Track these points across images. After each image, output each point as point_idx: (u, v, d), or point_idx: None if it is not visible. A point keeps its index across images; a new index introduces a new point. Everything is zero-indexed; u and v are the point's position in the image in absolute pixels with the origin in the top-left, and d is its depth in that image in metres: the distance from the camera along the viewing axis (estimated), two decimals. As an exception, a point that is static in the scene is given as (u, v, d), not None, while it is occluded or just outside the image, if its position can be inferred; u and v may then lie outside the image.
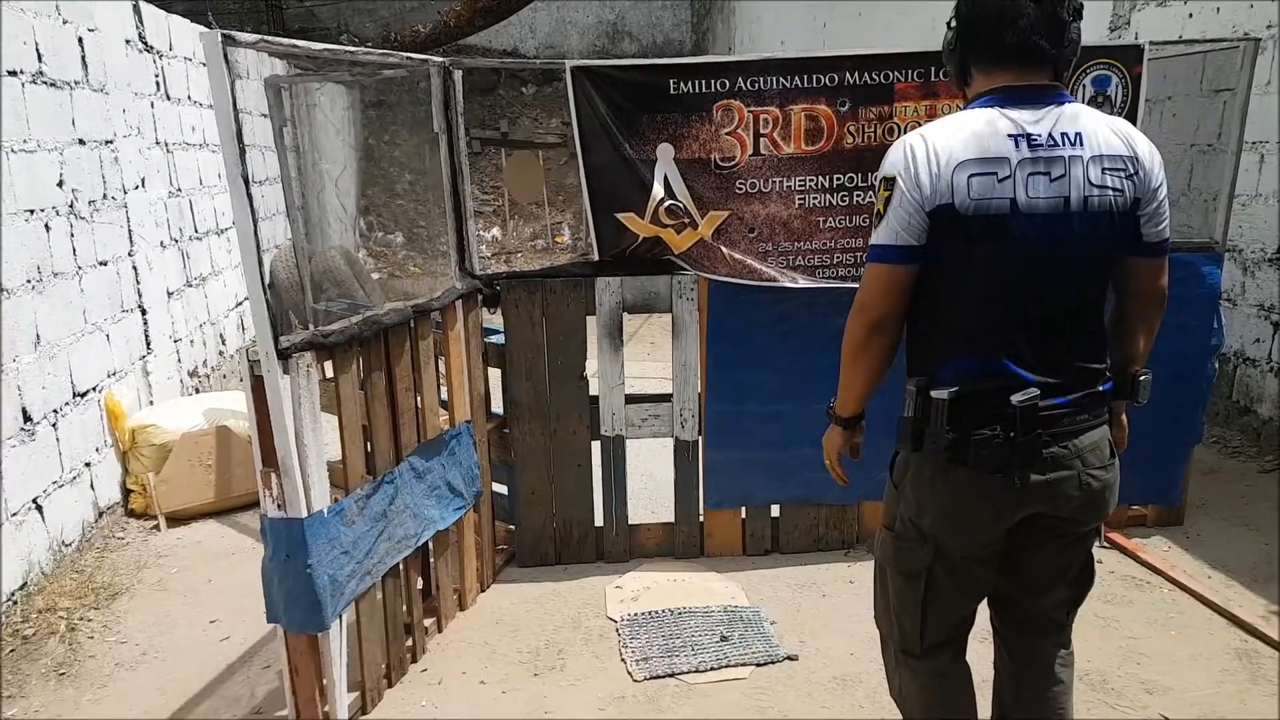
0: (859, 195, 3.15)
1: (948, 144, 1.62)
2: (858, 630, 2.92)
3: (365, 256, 9.12)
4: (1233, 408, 4.62)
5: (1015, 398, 1.63)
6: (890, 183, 1.67)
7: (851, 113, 3.09)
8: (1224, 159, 3.41)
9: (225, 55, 1.75)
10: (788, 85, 3.05)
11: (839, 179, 3.13)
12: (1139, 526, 3.57)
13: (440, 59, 2.90)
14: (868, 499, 3.45)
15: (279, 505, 2.10)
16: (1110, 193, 1.65)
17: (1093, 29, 5.54)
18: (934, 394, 1.68)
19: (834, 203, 3.15)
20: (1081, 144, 1.63)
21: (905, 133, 3.04)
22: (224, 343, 5.64)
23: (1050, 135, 1.63)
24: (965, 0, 1.71)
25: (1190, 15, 4.79)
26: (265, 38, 1.91)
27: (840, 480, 2.07)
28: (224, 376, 5.48)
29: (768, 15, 10.48)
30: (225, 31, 1.75)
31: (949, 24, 1.75)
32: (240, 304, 6.01)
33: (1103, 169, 1.64)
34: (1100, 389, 1.80)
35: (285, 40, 2.00)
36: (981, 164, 1.60)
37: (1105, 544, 3.47)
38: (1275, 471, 4.13)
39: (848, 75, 3.06)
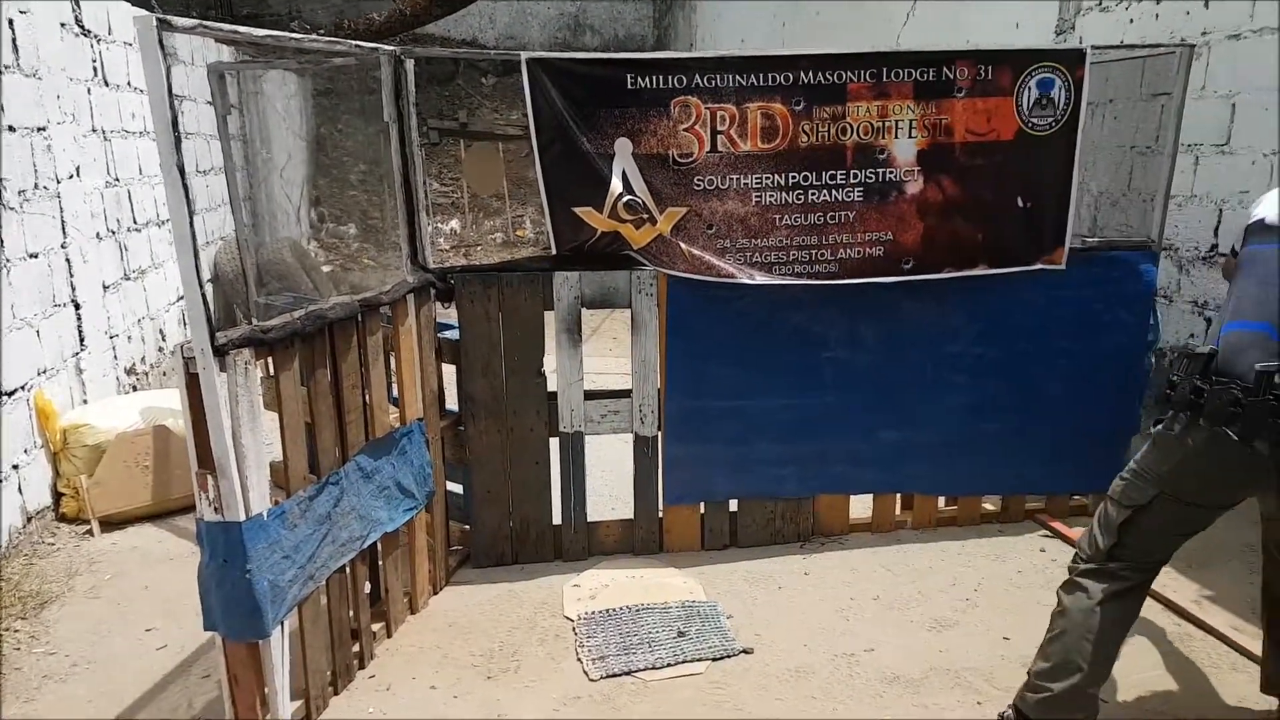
0: (814, 194, 3.16)
1: None
2: (811, 621, 2.95)
3: (316, 248, 8.93)
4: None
5: None
6: None
7: (806, 112, 3.10)
8: (1161, 160, 3.49)
9: (160, 40, 1.68)
10: (744, 83, 3.05)
11: (794, 177, 3.14)
12: (1081, 515, 3.66)
13: (391, 47, 2.84)
14: (823, 492, 3.49)
15: (216, 508, 2.03)
16: None
17: (1038, 33, 5.65)
18: None
19: (790, 200, 3.16)
20: None
21: (857, 133, 3.11)
22: (164, 339, 5.47)
23: None
24: None
25: (1131, 21, 4.91)
26: (204, 23, 1.84)
27: None
28: (164, 374, 5.31)
29: (729, 13, 10.51)
30: (160, 16, 1.68)
31: None
32: (181, 298, 5.82)
33: None
34: None
35: (226, 26, 1.93)
36: None
37: (1048, 533, 3.56)
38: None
39: (802, 74, 3.07)
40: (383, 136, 2.88)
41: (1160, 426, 2.11)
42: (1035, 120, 3.19)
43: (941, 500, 3.65)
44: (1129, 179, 4.95)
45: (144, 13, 1.71)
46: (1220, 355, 2.02)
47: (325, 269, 8.29)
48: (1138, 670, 2.65)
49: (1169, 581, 3.11)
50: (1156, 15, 4.73)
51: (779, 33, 9.23)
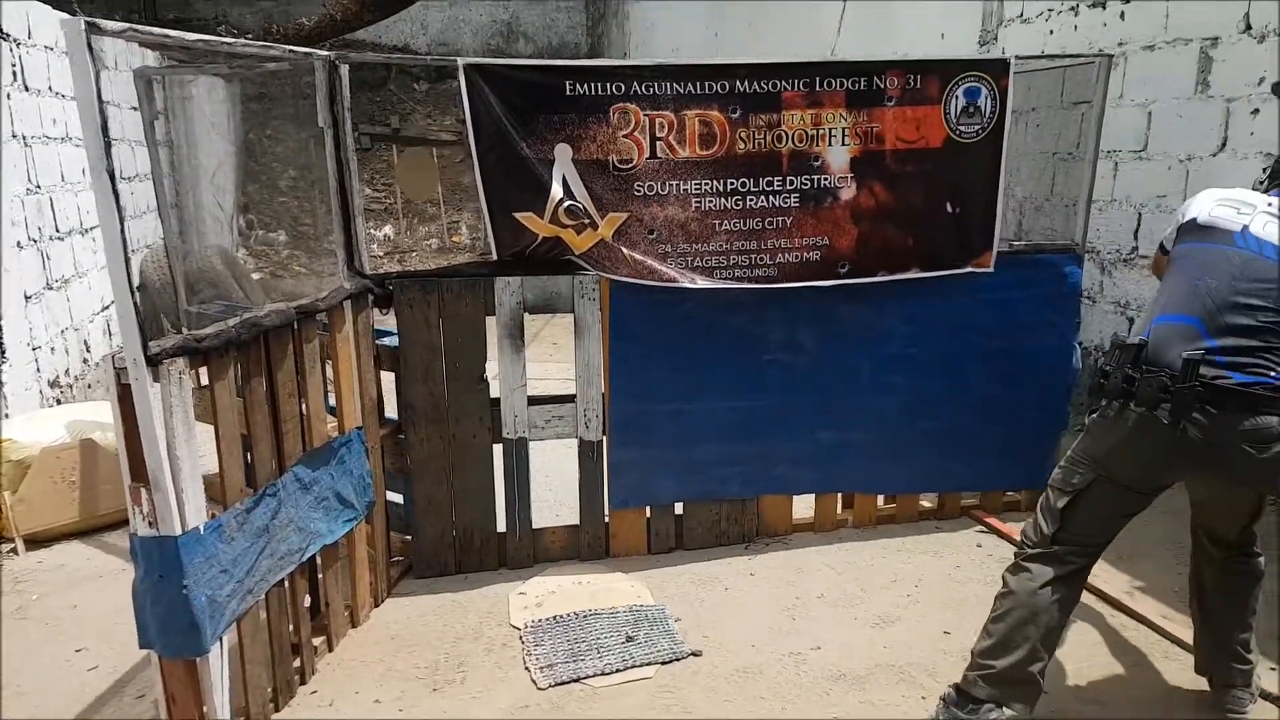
0: (752, 200, 3.21)
1: None
2: (758, 622, 2.98)
3: (245, 256, 8.73)
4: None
5: None
6: None
7: (743, 120, 3.14)
8: (1083, 166, 3.63)
9: (89, 44, 1.63)
10: (681, 91, 3.08)
11: (732, 184, 3.18)
12: (1014, 511, 3.77)
13: (325, 52, 2.80)
14: (766, 493, 3.53)
15: (150, 523, 1.97)
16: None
17: (963, 44, 5.82)
18: None
19: (729, 206, 3.19)
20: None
21: (792, 141, 3.17)
22: (89, 350, 5.29)
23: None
24: None
25: (1051, 32, 5.09)
26: (134, 26, 1.79)
27: None
28: (89, 386, 5.14)
29: (662, 22, 10.59)
30: (89, 19, 1.63)
31: None
32: (107, 308, 5.65)
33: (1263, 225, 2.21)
34: None
35: (157, 30, 1.89)
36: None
37: (984, 529, 3.65)
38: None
39: (738, 83, 3.11)
40: (314, 142, 2.84)
41: (1095, 415, 2.26)
42: (963, 128, 3.28)
43: (880, 499, 3.72)
44: (1052, 184, 5.12)
45: (71, 17, 1.66)
46: (1150, 346, 2.16)
47: (255, 277, 8.10)
48: (1073, 659, 2.73)
49: (1100, 573, 3.21)
50: (1075, 26, 4.91)
51: (711, 42, 9.34)
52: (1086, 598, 3.07)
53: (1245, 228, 2.18)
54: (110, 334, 5.67)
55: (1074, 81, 4.80)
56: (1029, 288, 3.49)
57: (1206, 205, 2.28)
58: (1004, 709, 2.23)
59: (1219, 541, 2.44)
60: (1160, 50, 4.39)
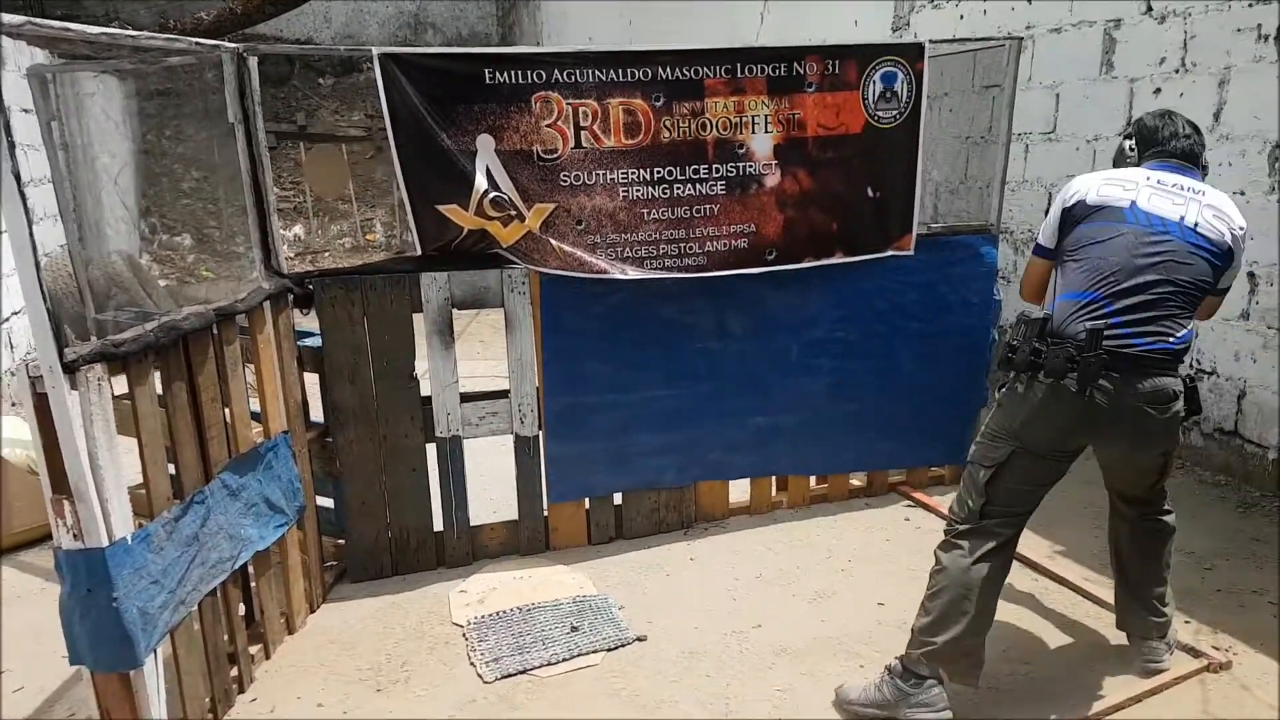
0: (678, 188, 3.22)
1: None
2: (700, 604, 3.01)
3: (149, 261, 8.40)
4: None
5: None
6: None
7: (666, 108, 3.15)
8: (996, 149, 3.75)
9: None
10: (604, 79, 3.07)
11: (659, 172, 3.19)
12: (938, 485, 3.91)
13: (234, 45, 2.71)
14: (703, 479, 3.56)
15: (75, 535, 1.89)
16: (1214, 228, 2.32)
17: (876, 29, 5.94)
18: None
19: (656, 195, 3.20)
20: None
21: (717, 128, 3.19)
22: (-7, 363, 5.03)
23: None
24: None
25: (962, 17, 5.24)
26: (33, 20, 1.70)
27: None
28: (-7, 401, 4.88)
29: (574, 10, 10.53)
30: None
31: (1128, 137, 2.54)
32: (6, 320, 5.37)
33: (1215, 216, 2.33)
34: None
35: (58, 24, 1.79)
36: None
37: (911, 503, 3.76)
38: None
39: (661, 70, 3.11)
40: (217, 142, 2.74)
41: (1005, 389, 2.36)
42: (881, 113, 3.35)
43: (813, 479, 3.80)
44: (966, 167, 5.28)
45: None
46: (1054, 320, 2.30)
47: (162, 283, 7.81)
48: (999, 623, 2.80)
49: (1023, 539, 3.32)
50: (985, 11, 5.06)
51: (626, 31, 9.33)
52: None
53: (1133, 203, 2.29)
54: (11, 346, 5.39)
55: (985, 66, 4.96)
56: (947, 269, 3.60)
57: (1094, 185, 2.36)
58: (947, 684, 2.32)
59: (1131, 501, 2.57)
60: (1066, 32, 4.56)
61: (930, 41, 3.40)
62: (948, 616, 2.31)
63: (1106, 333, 2.19)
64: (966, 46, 4.24)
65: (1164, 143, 2.40)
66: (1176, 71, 3.98)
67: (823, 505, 3.76)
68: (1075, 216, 2.37)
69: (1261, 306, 3.74)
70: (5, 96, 1.56)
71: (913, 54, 3.35)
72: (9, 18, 1.61)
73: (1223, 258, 2.30)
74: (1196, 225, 2.27)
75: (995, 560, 2.35)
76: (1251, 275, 3.76)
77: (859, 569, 3.24)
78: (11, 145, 1.65)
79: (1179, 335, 2.25)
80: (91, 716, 2.07)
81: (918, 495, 3.80)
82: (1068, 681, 2.57)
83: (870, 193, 3.42)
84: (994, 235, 3.68)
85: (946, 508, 3.56)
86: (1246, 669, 2.59)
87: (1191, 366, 4.05)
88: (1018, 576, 3.13)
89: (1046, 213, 4.73)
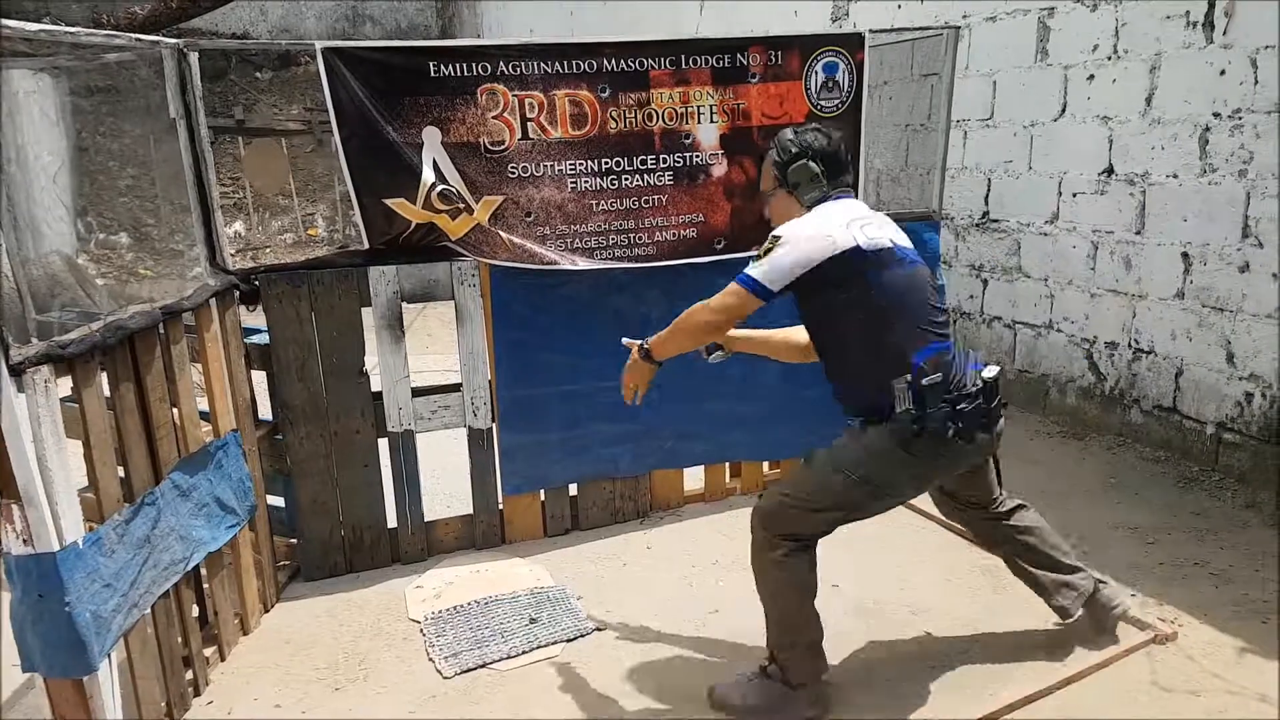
0: (626, 179, 3.24)
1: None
2: (657, 593, 3.04)
3: (87, 261, 8.18)
4: (957, 357, 5.21)
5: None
6: None
7: (613, 99, 3.16)
8: (936, 136, 3.83)
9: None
10: (549, 70, 3.08)
11: (607, 163, 3.20)
12: (891, 469, 3.96)
13: (174, 40, 2.66)
14: (657, 467, 3.59)
15: (25, 540, 1.85)
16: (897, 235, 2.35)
17: (816, 19, 6.02)
18: None
19: (604, 186, 3.22)
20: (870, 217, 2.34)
21: (663, 119, 3.21)
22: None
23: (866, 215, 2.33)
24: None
25: (899, 6, 5.33)
26: (-31, 11, 1.66)
27: (630, 400, 2.57)
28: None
29: (514, 2, 10.46)
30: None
31: (803, 159, 2.38)
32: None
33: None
34: None
35: (-6, 16, 1.75)
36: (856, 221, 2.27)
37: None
38: (995, 409, 4.73)
39: (606, 62, 3.13)
40: (153, 138, 2.69)
41: (880, 439, 2.21)
42: (823, 102, 3.41)
43: (766, 465, 3.85)
44: (906, 155, 5.38)
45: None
46: (922, 375, 2.16)
47: (100, 282, 7.62)
48: (952, 605, 2.92)
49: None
50: (922, 0, 5.15)
51: (567, 22, 9.30)
52: (960, 544, 3.29)
53: (892, 240, 2.26)
54: None
55: (923, 54, 5.05)
56: (892, 254, 3.66)
57: (852, 232, 2.19)
58: (813, 686, 2.37)
59: (982, 505, 2.61)
60: (1001, 21, 4.66)
61: (870, 31, 3.46)
62: (794, 628, 2.36)
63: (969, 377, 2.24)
64: (905, 36, 4.30)
65: (844, 167, 2.39)
66: (1109, 58, 4.11)
67: (776, 490, 3.81)
68: (868, 266, 2.18)
69: (1195, 286, 3.87)
70: None
71: (853, 44, 3.41)
72: (-60, 12, 1.57)
73: None
74: (895, 239, 2.31)
75: (813, 570, 2.39)
76: (1186, 256, 3.90)
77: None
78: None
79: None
80: (45, 723, 2.04)
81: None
82: (1016, 657, 2.62)
83: (816, 181, 3.46)
84: (937, 221, 3.76)
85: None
86: (1192, 640, 2.66)
87: (1130, 346, 4.18)
88: (970, 555, 3.21)
89: (986, 199, 4.89)
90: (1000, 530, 2.62)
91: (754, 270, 2.24)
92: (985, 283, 5.00)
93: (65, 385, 2.05)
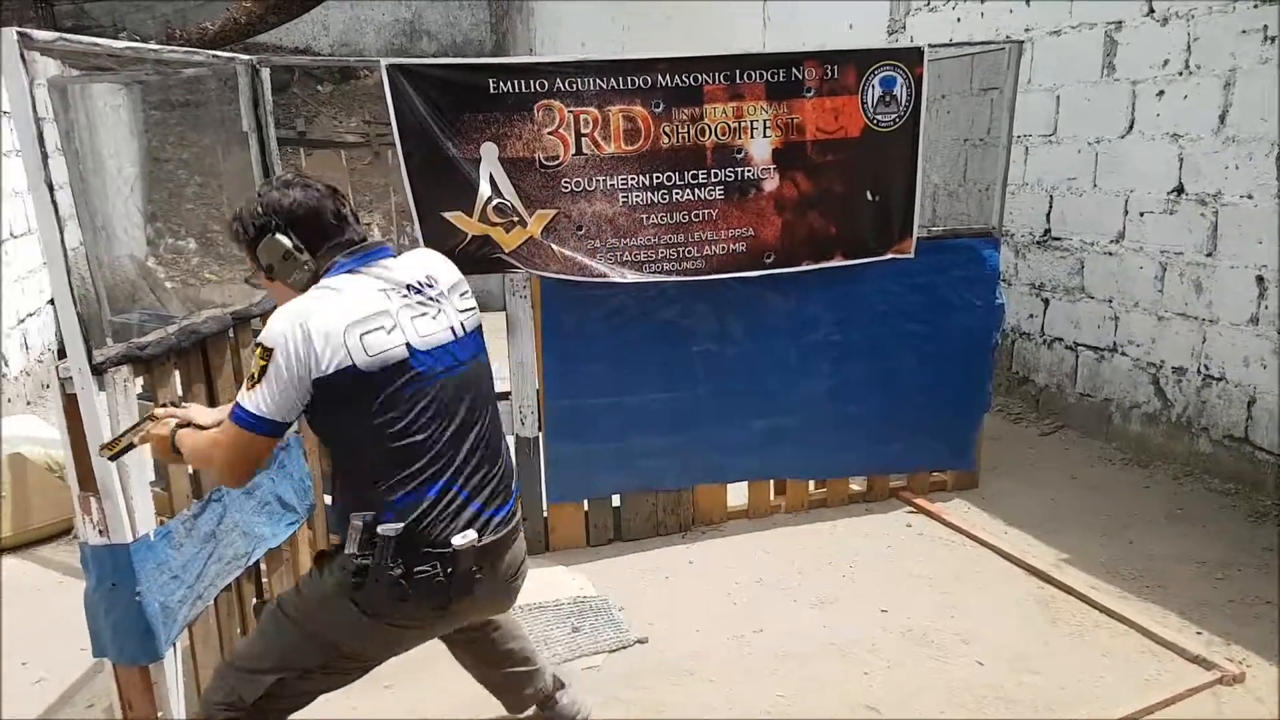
0: (677, 193, 3.28)
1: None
2: (700, 608, 3.05)
3: (155, 265, 8.51)
4: (1012, 378, 5.14)
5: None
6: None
7: (666, 114, 3.20)
8: (995, 152, 3.78)
9: (22, 54, 1.61)
10: (604, 86, 3.13)
11: (658, 178, 3.24)
12: (940, 491, 3.91)
13: (247, 56, 2.78)
14: (701, 482, 3.60)
15: (101, 531, 1.96)
16: (473, 312, 1.94)
17: (872, 33, 5.98)
18: None
19: (655, 200, 3.26)
20: (435, 279, 1.88)
21: (716, 134, 3.24)
22: (6, 364, 5.10)
23: (422, 281, 1.84)
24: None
25: (959, 20, 5.28)
26: (64, 35, 1.77)
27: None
28: (9, 400, 4.95)
29: (569, 17, 10.57)
30: (20, 29, 1.61)
31: (273, 233, 1.78)
32: (23, 321, 5.44)
33: (461, 294, 1.92)
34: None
35: (86, 39, 1.86)
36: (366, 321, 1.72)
37: (912, 509, 3.79)
38: (1054, 434, 4.64)
39: (660, 77, 3.17)
40: (220, 148, 2.81)
41: (345, 598, 1.77)
42: (880, 117, 3.40)
43: (811, 484, 3.81)
44: (964, 170, 5.32)
45: (4, 28, 1.64)
46: (414, 522, 1.74)
47: (168, 285, 7.92)
48: (1004, 634, 2.85)
49: (1028, 548, 3.37)
50: (982, 14, 5.10)
51: (620, 36, 9.36)
52: (1014, 571, 3.22)
53: (409, 344, 1.75)
54: (26, 347, 5.46)
55: (983, 68, 5.00)
56: (949, 272, 3.63)
57: (348, 346, 1.68)
58: None
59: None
60: (1066, 35, 4.59)
61: (929, 46, 3.43)
62: None
63: (478, 528, 1.79)
64: (966, 50, 4.27)
65: (334, 226, 1.80)
66: (1180, 74, 4.01)
67: (822, 510, 3.77)
68: (344, 398, 1.71)
69: (1271, 311, 3.70)
70: (37, 106, 1.62)
71: (912, 58, 3.39)
72: (41, 34, 1.68)
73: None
74: (464, 325, 1.87)
75: None
76: (1260, 279, 3.73)
77: (861, 574, 3.25)
78: (44, 156, 1.72)
79: (513, 484, 1.97)
80: (112, 707, 2.14)
81: (919, 501, 3.80)
82: (1076, 692, 2.55)
83: (870, 196, 3.46)
84: (997, 239, 3.71)
85: (949, 514, 3.63)
86: (1260, 681, 2.56)
87: (1199, 371, 4.06)
88: (1025, 584, 3.14)
89: (1047, 216, 4.82)
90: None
91: (246, 400, 1.67)
92: (1046, 302, 4.91)
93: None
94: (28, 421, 3.92)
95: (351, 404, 1.72)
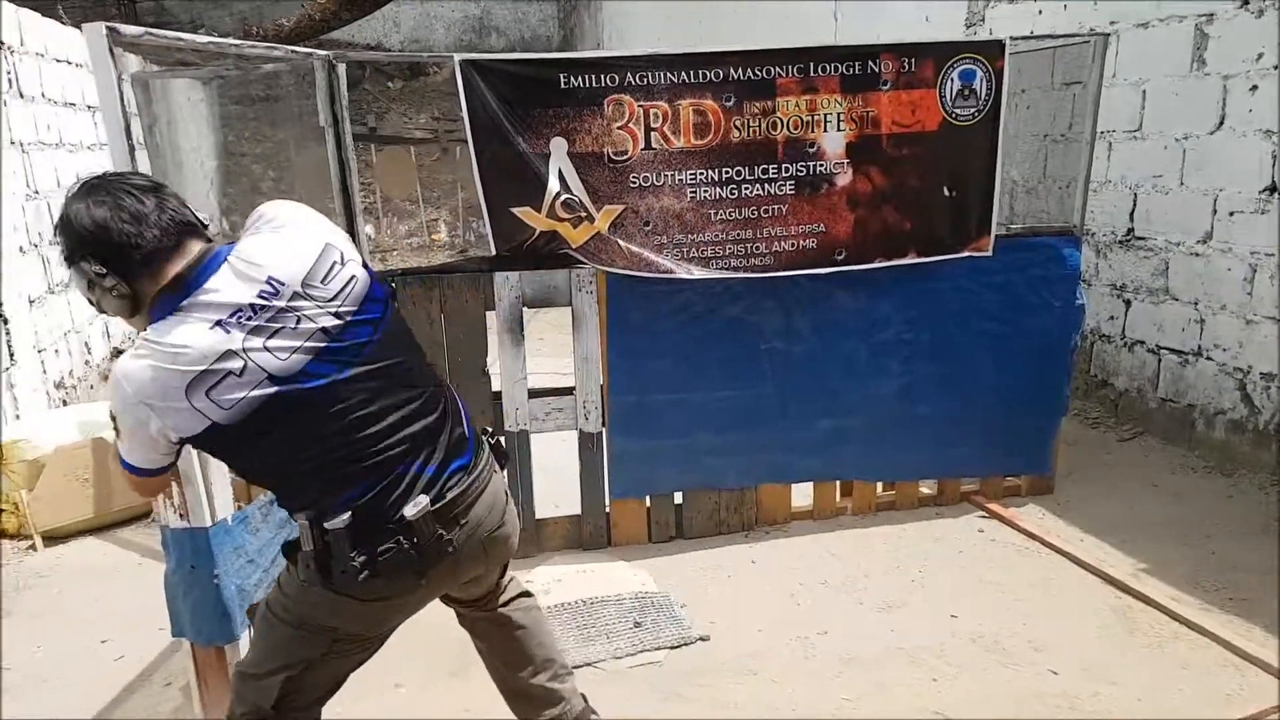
0: (747, 188, 3.23)
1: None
2: (763, 608, 3.02)
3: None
4: (1091, 381, 4.97)
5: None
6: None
7: (737, 107, 3.16)
8: (1076, 148, 3.64)
9: (111, 49, 1.65)
10: (675, 80, 3.10)
11: (728, 172, 3.20)
12: (1014, 496, 3.80)
13: (324, 52, 2.83)
14: (765, 481, 3.56)
15: (181, 515, 2.02)
16: (355, 281, 1.64)
17: (950, 26, 5.84)
18: None
19: (724, 195, 3.22)
20: (279, 281, 1.56)
21: (787, 128, 3.19)
22: (90, 352, 5.31)
23: (262, 291, 1.54)
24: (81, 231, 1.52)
25: (1040, 12, 5.12)
26: (151, 31, 1.82)
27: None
28: (91, 387, 5.16)
29: (636, 11, 10.57)
30: (110, 24, 1.65)
31: (74, 261, 1.55)
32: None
33: (323, 277, 1.60)
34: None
35: (170, 34, 1.91)
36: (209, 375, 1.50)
37: (984, 514, 3.69)
38: (1133, 440, 4.48)
39: (732, 71, 3.13)
40: (293, 143, 2.86)
41: (317, 586, 1.69)
42: (958, 111, 3.31)
43: (879, 485, 3.74)
44: (1044, 166, 5.16)
45: (93, 24, 1.69)
46: (360, 510, 1.63)
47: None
48: (1078, 644, 2.76)
49: (1105, 556, 3.27)
50: (1064, 6, 4.94)
51: (691, 31, 9.32)
52: (1090, 579, 3.12)
53: (271, 377, 1.53)
54: (109, 336, 5.67)
55: (1065, 62, 4.84)
56: (1027, 271, 3.52)
57: (197, 408, 1.51)
58: None
59: (477, 601, 2.13)
60: (1154, 28, 4.42)
61: (1011, 39, 3.33)
62: None
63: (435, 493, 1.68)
64: (1048, 44, 4.13)
65: (145, 241, 1.53)
66: (1275, 68, 3.82)
67: (890, 513, 3.70)
68: (226, 438, 1.57)
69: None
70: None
71: (993, 51, 3.30)
72: (128, 29, 1.72)
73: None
74: (339, 313, 1.61)
75: None
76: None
77: (930, 579, 3.18)
78: (132, 149, 1.77)
79: (465, 426, 1.80)
80: (189, 686, 2.20)
81: (992, 506, 3.70)
82: (1153, 704, 2.47)
83: (946, 192, 3.37)
84: (1078, 237, 3.59)
85: (1023, 519, 3.53)
86: None
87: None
88: (1101, 594, 3.05)
89: (1131, 215, 4.63)
90: (483, 613, 2.13)
91: (121, 448, 1.66)
92: (1128, 304, 4.74)
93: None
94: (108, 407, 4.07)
95: (242, 445, 1.58)
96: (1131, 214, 4.66)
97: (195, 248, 1.58)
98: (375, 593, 1.67)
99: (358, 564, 1.60)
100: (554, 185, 3.07)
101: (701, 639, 2.83)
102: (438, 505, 1.67)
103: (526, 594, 2.15)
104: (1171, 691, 2.51)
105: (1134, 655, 2.70)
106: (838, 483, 3.70)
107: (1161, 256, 4.50)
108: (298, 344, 1.55)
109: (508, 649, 2.12)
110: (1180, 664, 2.64)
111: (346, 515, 1.59)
